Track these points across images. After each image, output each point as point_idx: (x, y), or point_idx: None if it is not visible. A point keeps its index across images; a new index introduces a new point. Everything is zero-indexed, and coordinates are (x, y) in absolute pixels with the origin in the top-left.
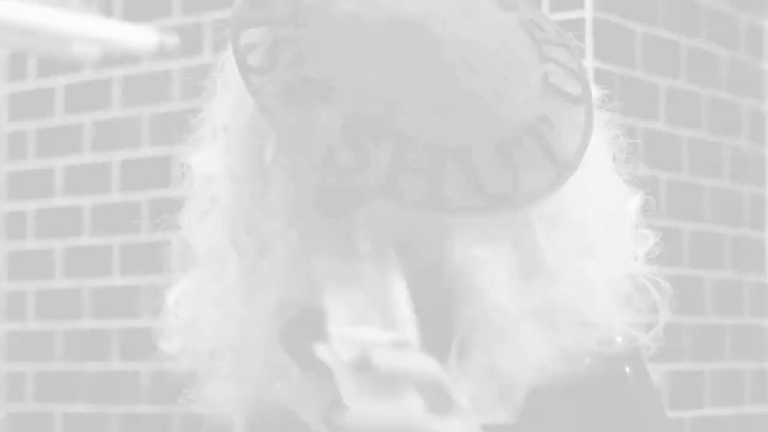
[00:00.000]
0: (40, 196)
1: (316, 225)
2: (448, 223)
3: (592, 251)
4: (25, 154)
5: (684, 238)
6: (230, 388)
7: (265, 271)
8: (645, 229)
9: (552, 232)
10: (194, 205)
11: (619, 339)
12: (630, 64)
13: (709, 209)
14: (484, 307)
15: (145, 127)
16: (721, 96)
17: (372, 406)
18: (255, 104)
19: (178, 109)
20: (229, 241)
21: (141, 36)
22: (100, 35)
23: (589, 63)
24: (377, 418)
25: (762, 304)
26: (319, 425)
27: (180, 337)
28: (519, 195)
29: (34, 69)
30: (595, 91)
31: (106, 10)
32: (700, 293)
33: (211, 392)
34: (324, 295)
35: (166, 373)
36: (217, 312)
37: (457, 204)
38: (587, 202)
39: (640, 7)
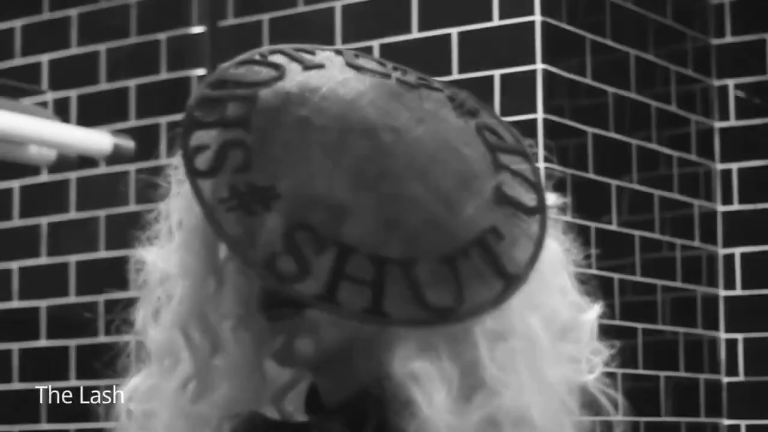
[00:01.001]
0: None
1: (263, 327)
2: (389, 335)
3: (539, 364)
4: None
5: (639, 337)
6: None
7: (218, 370)
8: (600, 339)
9: (496, 345)
10: (148, 302)
11: None
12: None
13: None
14: (421, 423)
15: (101, 229)
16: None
17: None
18: (199, 209)
19: (133, 210)
20: (182, 338)
21: (96, 139)
22: (56, 139)
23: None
24: None
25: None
26: None
27: None
28: (462, 309)
29: None
30: (552, 200)
31: (62, 114)
32: (657, 394)
33: None
34: None
35: None
36: (169, 410)
37: (397, 316)
38: (536, 314)
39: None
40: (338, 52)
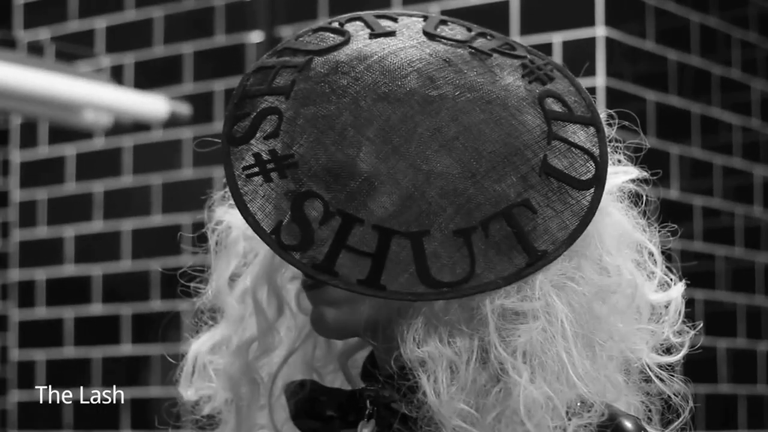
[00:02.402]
0: (51, 264)
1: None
2: (402, 313)
3: (561, 347)
4: (36, 222)
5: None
6: None
7: (281, 331)
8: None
9: (511, 326)
10: (224, 262)
11: None
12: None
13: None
14: (429, 409)
15: (156, 195)
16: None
17: None
18: (225, 172)
19: (188, 177)
20: (251, 300)
21: (152, 104)
22: (111, 103)
23: None
24: None
25: None
26: None
27: (198, 385)
28: (469, 284)
29: (45, 137)
30: (632, 172)
31: (117, 79)
32: (715, 363)
33: None
34: None
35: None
36: (233, 365)
37: (393, 289)
38: (569, 292)
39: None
40: (424, 18)
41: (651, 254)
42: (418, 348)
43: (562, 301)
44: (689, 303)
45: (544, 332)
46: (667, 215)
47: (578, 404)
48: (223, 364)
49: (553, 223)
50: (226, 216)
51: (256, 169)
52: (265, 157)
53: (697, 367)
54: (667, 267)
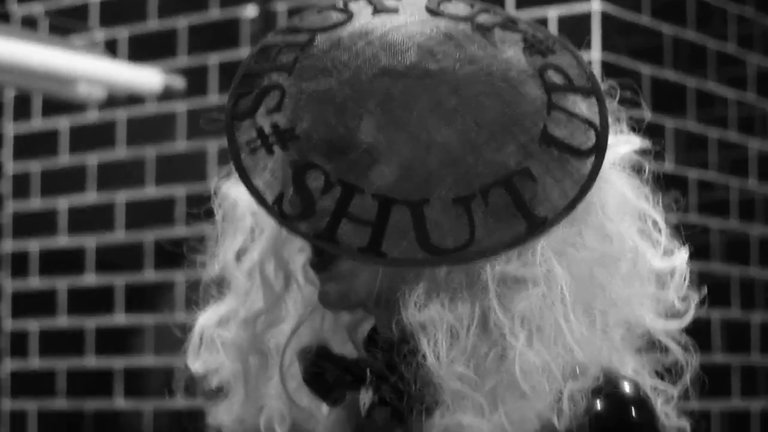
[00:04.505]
0: (44, 235)
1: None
2: (403, 281)
3: (560, 313)
4: (29, 194)
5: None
6: (243, 413)
7: (289, 303)
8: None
9: (511, 293)
10: (231, 235)
11: (566, 408)
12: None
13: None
14: (428, 372)
15: (150, 168)
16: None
17: None
18: (228, 146)
19: (182, 150)
20: (258, 272)
21: (146, 77)
22: (105, 76)
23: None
24: None
25: None
26: None
27: (206, 358)
28: (469, 250)
29: (39, 109)
30: (632, 143)
31: (112, 52)
32: (709, 333)
33: (222, 411)
34: None
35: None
36: (240, 337)
37: (394, 256)
38: (570, 259)
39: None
40: None
41: (654, 222)
42: (419, 312)
43: (563, 267)
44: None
45: (543, 298)
46: (663, 188)
47: (574, 369)
48: (231, 337)
49: (553, 191)
50: (232, 191)
51: (259, 143)
52: (267, 130)
53: (691, 337)
54: (671, 235)
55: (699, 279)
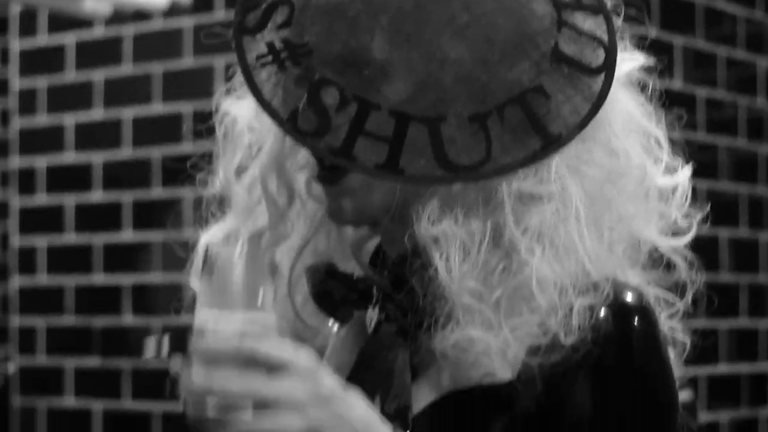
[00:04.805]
0: (51, 151)
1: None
2: (417, 195)
3: (573, 228)
4: (36, 110)
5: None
6: None
7: (294, 219)
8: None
9: (525, 208)
10: (230, 153)
11: (575, 323)
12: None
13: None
14: (439, 286)
15: (156, 84)
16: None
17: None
18: (238, 62)
19: (189, 66)
20: (261, 188)
21: None
22: None
23: None
24: None
25: None
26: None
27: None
28: (486, 167)
29: (45, 26)
30: (637, 59)
31: None
32: (716, 252)
33: None
34: None
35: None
36: (245, 256)
37: (412, 173)
38: (581, 176)
39: None
40: None
41: (657, 139)
42: (432, 226)
43: (576, 184)
44: (692, 193)
45: (558, 214)
46: (671, 106)
47: (586, 285)
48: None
49: (565, 108)
50: (232, 107)
51: (270, 58)
52: (278, 45)
53: (699, 255)
54: (673, 152)
55: (707, 197)
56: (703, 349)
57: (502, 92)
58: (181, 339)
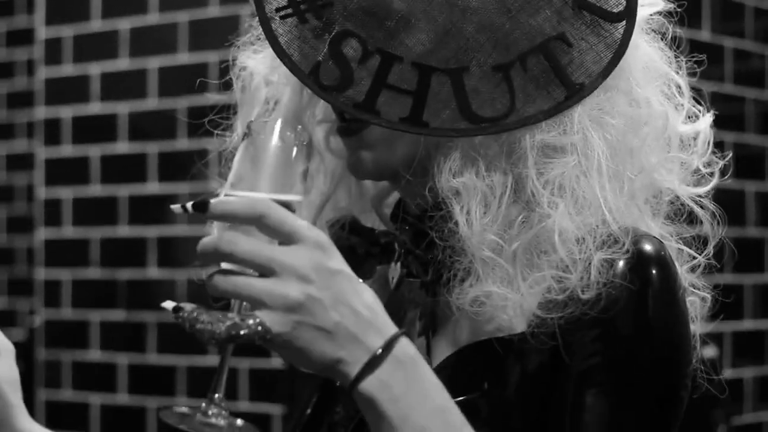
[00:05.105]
0: (77, 102)
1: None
2: (439, 147)
3: (595, 180)
4: (62, 60)
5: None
6: None
7: (314, 173)
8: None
9: (547, 160)
10: (248, 106)
11: (593, 278)
12: None
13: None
14: (459, 239)
15: (183, 34)
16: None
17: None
18: (257, 14)
19: (215, 14)
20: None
21: None
22: None
23: None
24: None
25: None
26: None
27: None
28: (510, 119)
29: None
30: (659, 3)
31: None
32: (743, 206)
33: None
34: None
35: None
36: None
37: (436, 126)
38: (605, 126)
39: None
40: None
41: (678, 86)
42: (453, 178)
43: (598, 135)
44: (718, 145)
45: (579, 166)
46: (698, 56)
47: (606, 238)
48: None
49: (587, 56)
50: (249, 61)
51: (290, 11)
52: None
53: (725, 209)
54: (695, 99)
55: (734, 149)
56: (728, 305)
57: (525, 41)
58: (206, 202)
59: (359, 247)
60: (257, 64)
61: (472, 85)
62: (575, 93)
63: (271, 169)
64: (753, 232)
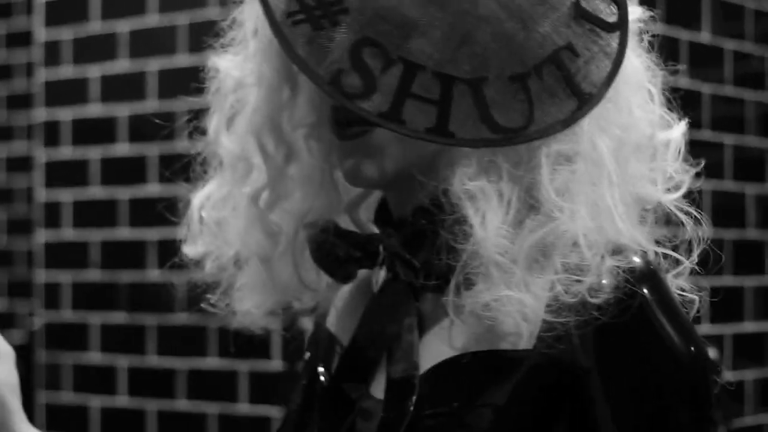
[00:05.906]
0: (76, 103)
1: (334, 139)
2: (452, 154)
3: (603, 187)
4: (60, 61)
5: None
6: (255, 298)
7: (291, 178)
8: (686, 155)
9: (559, 168)
10: (221, 110)
11: (605, 283)
12: None
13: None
14: (473, 242)
15: (182, 35)
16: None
17: None
18: (267, 23)
19: (215, 17)
20: (256, 146)
21: None
22: None
23: None
24: None
25: None
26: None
27: (204, 241)
28: (530, 129)
29: None
30: (638, 13)
31: None
32: (743, 209)
33: (235, 301)
34: None
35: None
36: (243, 218)
37: (462, 136)
38: (607, 135)
39: None
40: None
41: (650, 93)
42: (470, 181)
43: (604, 143)
44: (717, 148)
45: (589, 173)
46: (698, 59)
47: (615, 245)
48: (231, 216)
49: (591, 65)
50: (222, 64)
51: (303, 16)
52: (311, 3)
53: (725, 211)
54: (668, 108)
55: (734, 153)
56: (728, 308)
57: (538, 50)
58: None
59: (339, 250)
60: (230, 66)
61: (492, 95)
62: (586, 102)
63: None
64: (753, 234)
